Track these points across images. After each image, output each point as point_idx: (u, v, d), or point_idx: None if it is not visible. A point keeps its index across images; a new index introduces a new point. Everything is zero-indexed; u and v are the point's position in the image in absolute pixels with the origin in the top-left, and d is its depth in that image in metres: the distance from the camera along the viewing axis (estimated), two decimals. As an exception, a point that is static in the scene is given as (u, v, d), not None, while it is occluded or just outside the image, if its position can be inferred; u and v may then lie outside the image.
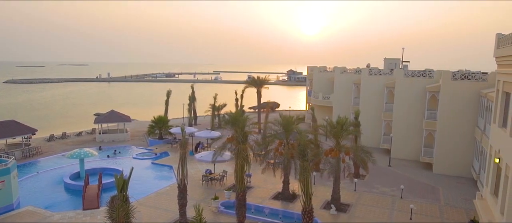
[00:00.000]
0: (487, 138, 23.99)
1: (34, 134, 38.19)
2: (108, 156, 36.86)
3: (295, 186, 25.88)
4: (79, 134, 47.11)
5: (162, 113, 47.47)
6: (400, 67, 46.19)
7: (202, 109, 55.98)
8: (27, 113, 71.31)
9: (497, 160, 16.92)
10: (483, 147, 26.12)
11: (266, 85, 52.40)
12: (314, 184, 26.37)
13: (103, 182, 27.18)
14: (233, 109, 46.48)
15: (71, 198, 25.77)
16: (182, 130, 20.72)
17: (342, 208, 23.93)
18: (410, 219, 22.42)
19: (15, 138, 36.57)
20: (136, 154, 37.92)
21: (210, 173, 29.39)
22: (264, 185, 28.23)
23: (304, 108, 66.34)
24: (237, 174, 19.56)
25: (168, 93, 51.80)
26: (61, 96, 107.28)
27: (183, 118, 56.56)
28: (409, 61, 48.02)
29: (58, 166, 33.22)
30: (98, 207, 23.22)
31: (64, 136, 45.06)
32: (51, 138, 43.51)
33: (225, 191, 25.72)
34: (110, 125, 45.80)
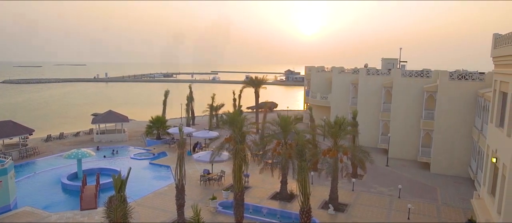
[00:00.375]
0: (484, 138, 24.10)
1: (31, 134, 38.06)
2: (104, 156, 36.75)
3: (293, 186, 25.93)
4: (77, 134, 46.98)
5: (160, 113, 47.42)
6: (398, 67, 46.33)
7: (200, 109, 55.99)
8: (25, 113, 71.06)
9: (494, 160, 16.99)
10: (480, 146, 26.23)
11: (264, 86, 52.41)
12: (312, 184, 26.38)
13: (100, 182, 27.14)
14: (231, 110, 46.48)
15: (69, 199, 25.70)
16: (180, 130, 20.70)
17: (340, 208, 23.96)
18: (408, 218, 22.48)
19: (12, 138, 36.46)
20: (134, 154, 37.85)
21: (208, 173, 29.37)
22: (262, 185, 28.23)
23: (302, 109, 66.42)
24: (235, 174, 19.55)
25: (166, 94, 51.79)
26: (59, 97, 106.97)
27: (181, 118, 56.52)
28: (406, 61, 48.18)
29: (55, 166, 33.11)
30: (95, 208, 23.17)
31: (61, 136, 44.92)
32: (49, 138, 43.37)
33: (223, 191, 25.71)
34: (108, 125, 45.71)
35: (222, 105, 52.33)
